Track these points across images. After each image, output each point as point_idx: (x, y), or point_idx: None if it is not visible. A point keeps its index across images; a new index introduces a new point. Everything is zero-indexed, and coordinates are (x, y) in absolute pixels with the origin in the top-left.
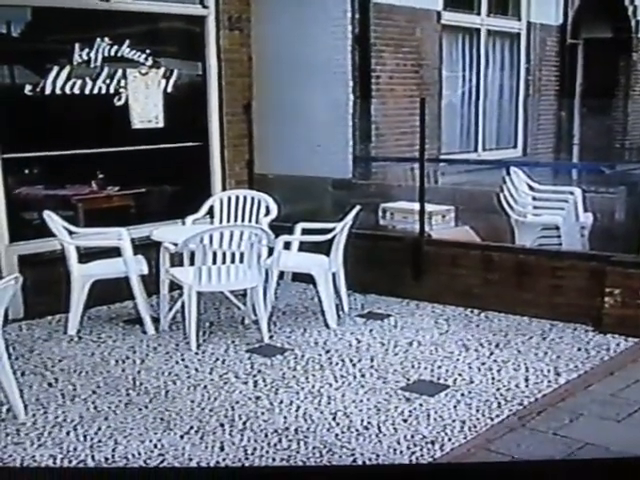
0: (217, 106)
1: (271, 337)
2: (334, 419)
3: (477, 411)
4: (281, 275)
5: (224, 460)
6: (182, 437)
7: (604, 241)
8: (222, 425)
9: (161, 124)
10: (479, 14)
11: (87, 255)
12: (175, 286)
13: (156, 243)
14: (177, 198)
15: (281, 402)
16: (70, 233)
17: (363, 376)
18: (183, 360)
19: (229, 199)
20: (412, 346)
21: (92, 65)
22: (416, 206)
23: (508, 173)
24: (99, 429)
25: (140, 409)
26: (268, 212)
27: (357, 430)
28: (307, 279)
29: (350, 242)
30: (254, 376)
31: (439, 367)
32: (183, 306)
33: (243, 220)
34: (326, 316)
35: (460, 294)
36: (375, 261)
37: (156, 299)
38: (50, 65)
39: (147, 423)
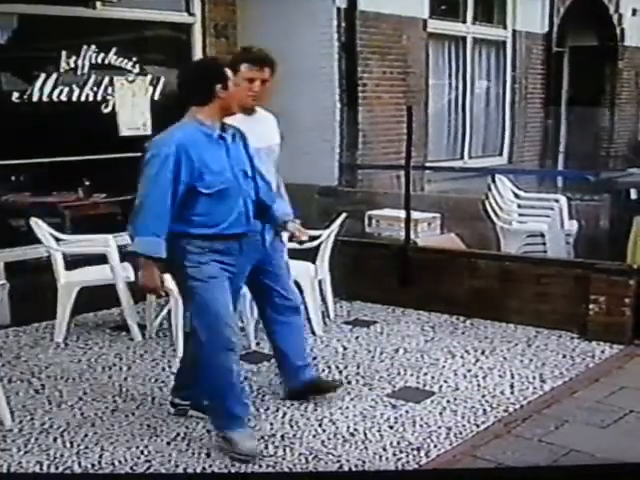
0: None
1: (258, 344)
2: (320, 425)
3: (463, 418)
4: None
5: (210, 467)
6: (169, 444)
7: (589, 248)
8: (208, 432)
9: (148, 131)
10: (465, 22)
11: (74, 262)
12: None
13: None
14: None
15: (267, 409)
16: (57, 240)
17: (349, 383)
18: (170, 367)
19: None
20: (398, 353)
21: (79, 72)
22: (402, 213)
23: (493, 181)
24: (86, 436)
25: (127, 416)
26: None
27: (343, 437)
28: None
29: (336, 249)
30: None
31: (425, 374)
32: (170, 313)
33: None
34: (312, 323)
35: (446, 301)
36: (361, 268)
37: (143, 306)
38: (37, 72)
39: (134, 430)
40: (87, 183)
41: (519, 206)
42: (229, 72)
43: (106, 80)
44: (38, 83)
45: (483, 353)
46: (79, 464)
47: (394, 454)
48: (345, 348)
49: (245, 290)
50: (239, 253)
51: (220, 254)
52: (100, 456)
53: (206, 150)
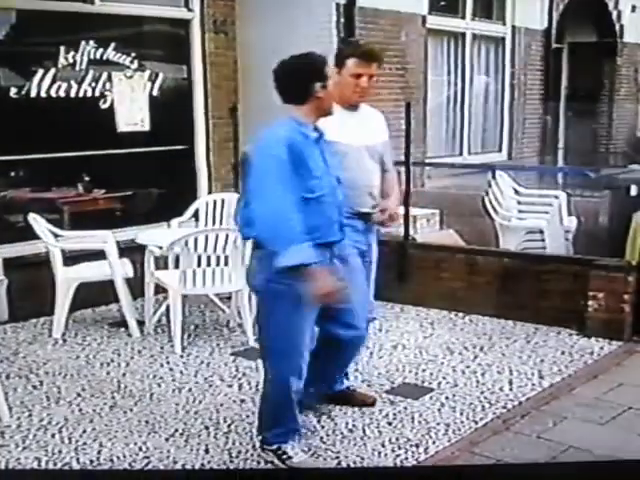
0: (203, 109)
1: (256, 340)
2: (319, 422)
3: (461, 414)
4: None
5: (209, 463)
6: (167, 440)
7: (588, 245)
8: (207, 428)
9: (147, 127)
10: (464, 18)
11: (72, 258)
12: (160, 289)
13: (141, 246)
14: (163, 201)
15: None
16: (55, 236)
17: (348, 379)
18: (168, 363)
19: (215, 202)
20: (396, 349)
21: (77, 68)
22: (401, 210)
23: (493, 177)
24: (84, 432)
25: (125, 412)
26: None
27: (342, 433)
28: None
29: None
30: (239, 379)
31: (423, 370)
32: (168, 309)
33: (229, 223)
34: None
35: (444, 297)
36: None
37: (141, 302)
38: (35, 68)
39: (132, 426)
40: (86, 179)
41: (519, 202)
42: (329, 70)
43: (104, 76)
44: (36, 78)
45: (482, 349)
46: (77, 460)
47: (393, 450)
48: None
49: (242, 287)
50: (330, 262)
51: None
52: (98, 452)
53: (306, 152)
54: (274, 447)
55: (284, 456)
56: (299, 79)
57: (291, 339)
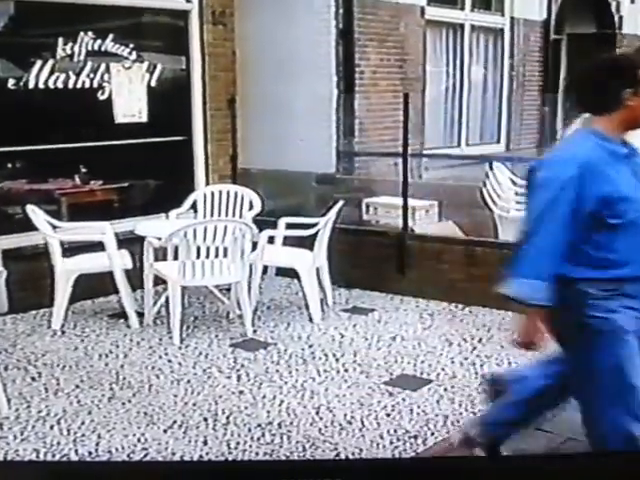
0: (201, 101)
1: (255, 332)
2: (317, 413)
3: (460, 406)
4: (265, 270)
5: (207, 454)
6: (165, 431)
7: None
8: (205, 419)
9: (144, 118)
10: (463, 9)
11: (71, 249)
12: (159, 280)
13: (140, 237)
14: (160, 192)
15: (264, 397)
16: (54, 227)
17: (346, 371)
18: (167, 354)
19: (212, 194)
20: (395, 341)
21: (75, 59)
22: (399, 201)
23: (491, 168)
24: (82, 423)
25: (123, 403)
26: (252, 207)
27: (340, 424)
28: (291, 274)
29: (334, 237)
30: (237, 370)
31: (422, 362)
32: (167, 300)
33: (227, 215)
34: (310, 311)
35: (443, 289)
36: (359, 256)
37: (140, 293)
38: (33, 59)
39: (130, 417)
40: (84, 170)
41: (517, 194)
42: None
43: (102, 67)
44: (34, 70)
45: (481, 341)
46: (76, 452)
47: (391, 442)
48: (342, 336)
49: (242, 278)
50: None
51: (631, 299)
52: (97, 444)
53: (613, 171)
54: None
55: None
56: (602, 84)
57: (616, 373)
